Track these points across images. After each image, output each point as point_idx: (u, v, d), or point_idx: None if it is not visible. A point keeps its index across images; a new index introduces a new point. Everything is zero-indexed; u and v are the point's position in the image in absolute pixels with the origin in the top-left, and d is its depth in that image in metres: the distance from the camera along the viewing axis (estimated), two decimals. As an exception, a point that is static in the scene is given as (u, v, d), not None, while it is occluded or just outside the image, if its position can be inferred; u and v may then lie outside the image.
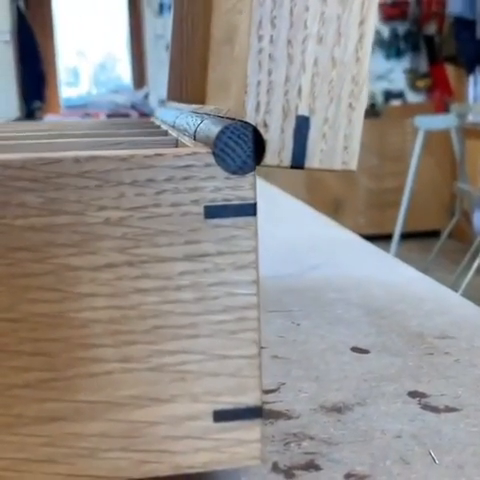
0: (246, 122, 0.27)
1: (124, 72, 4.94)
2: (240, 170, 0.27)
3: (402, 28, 5.11)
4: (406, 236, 3.69)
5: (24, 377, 0.26)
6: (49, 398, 0.27)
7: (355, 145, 0.27)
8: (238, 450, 0.28)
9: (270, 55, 0.26)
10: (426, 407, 0.40)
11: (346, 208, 4.57)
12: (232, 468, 0.29)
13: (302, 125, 0.26)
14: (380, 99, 5.01)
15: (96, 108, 3.50)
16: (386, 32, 5.11)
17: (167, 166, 0.26)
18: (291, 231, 0.90)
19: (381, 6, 5.02)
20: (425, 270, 3.48)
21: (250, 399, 0.28)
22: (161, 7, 4.70)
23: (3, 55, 3.84)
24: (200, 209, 0.27)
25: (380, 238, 4.23)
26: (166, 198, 0.26)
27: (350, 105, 0.27)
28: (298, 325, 0.54)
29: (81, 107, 3.89)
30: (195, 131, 0.32)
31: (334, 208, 4.50)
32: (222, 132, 0.27)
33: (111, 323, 0.27)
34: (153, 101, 4.34)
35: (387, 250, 3.30)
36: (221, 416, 0.28)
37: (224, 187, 0.27)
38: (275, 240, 0.84)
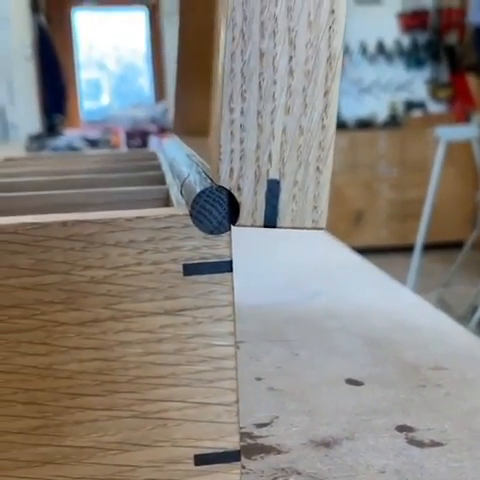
0: (221, 186, 0.28)
1: (145, 84, 5.00)
2: (216, 230, 0.29)
3: (422, 38, 5.11)
4: (428, 247, 3.67)
5: (17, 424, 0.28)
6: (40, 443, 0.29)
7: (324, 205, 0.29)
8: (218, 491, 0.30)
9: (241, 125, 0.28)
10: (412, 441, 0.41)
11: (367, 219, 4.57)
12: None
13: (273, 188, 0.28)
14: (401, 109, 5.01)
15: (116, 123, 3.55)
16: (406, 42, 5.11)
17: (148, 228, 0.28)
18: (296, 255, 0.92)
19: (401, 16, 5.03)
20: (447, 282, 3.46)
21: (229, 444, 0.30)
22: (181, 21, 4.75)
23: (25, 70, 3.90)
24: (179, 267, 0.29)
25: (402, 249, 4.23)
26: (147, 257, 0.28)
27: (317, 169, 0.28)
28: (296, 355, 0.56)
29: (101, 122, 3.95)
30: (182, 184, 0.34)
31: (355, 219, 4.50)
32: (199, 196, 0.29)
33: (96, 374, 0.28)
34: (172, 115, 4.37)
35: (409, 262, 3.29)
36: (201, 460, 0.30)
37: (201, 246, 0.29)
38: (280, 264, 0.86)
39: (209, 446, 0.30)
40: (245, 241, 1.03)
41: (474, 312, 3.01)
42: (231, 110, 0.28)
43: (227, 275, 0.29)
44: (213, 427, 0.30)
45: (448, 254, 4.18)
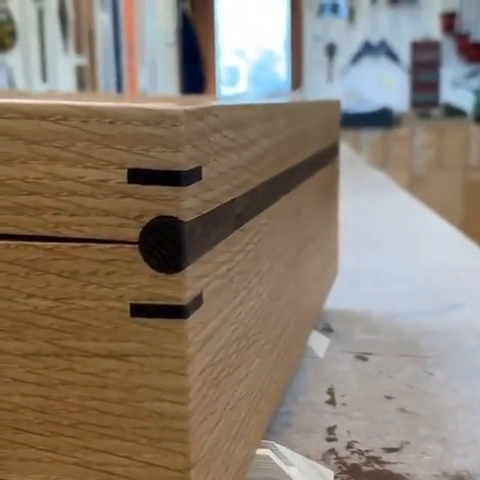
0: (176, 218, 0.23)
1: (282, 71, 4.67)
2: (169, 268, 0.24)
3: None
4: None
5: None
6: (-14, 474, 0.27)
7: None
8: None
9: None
10: None
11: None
12: None
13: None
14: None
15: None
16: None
17: (92, 259, 0.25)
18: (434, 260, 0.80)
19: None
20: None
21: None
22: (322, 8, 4.40)
23: (167, 56, 3.86)
24: (126, 306, 0.25)
25: None
26: (91, 292, 0.25)
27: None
28: (431, 374, 0.48)
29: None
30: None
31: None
32: (150, 227, 0.24)
33: (39, 411, 0.26)
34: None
35: None
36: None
37: (150, 285, 0.24)
38: (416, 270, 0.76)
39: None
40: (377, 242, 0.93)
41: None
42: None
43: (179, 322, 0.24)
44: (163, 493, 0.25)
45: None
